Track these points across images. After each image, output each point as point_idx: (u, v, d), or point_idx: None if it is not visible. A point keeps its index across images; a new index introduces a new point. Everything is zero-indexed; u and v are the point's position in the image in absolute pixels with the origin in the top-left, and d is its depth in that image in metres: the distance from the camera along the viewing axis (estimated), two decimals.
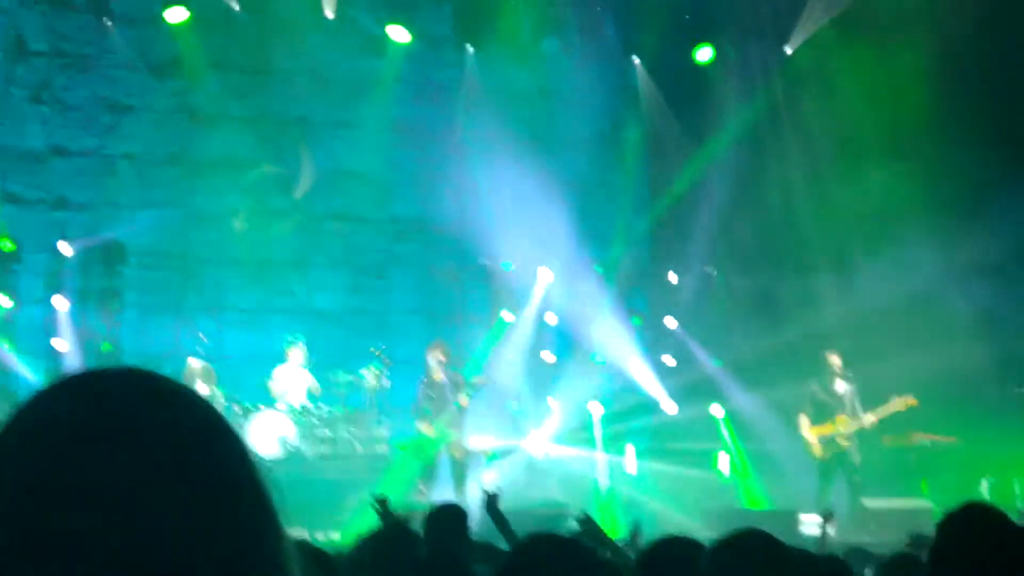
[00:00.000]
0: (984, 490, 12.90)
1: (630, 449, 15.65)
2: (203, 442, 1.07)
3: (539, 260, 16.10)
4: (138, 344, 14.92)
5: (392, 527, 5.48)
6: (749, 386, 15.62)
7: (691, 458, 15.16)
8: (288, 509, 1.12)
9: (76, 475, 1.01)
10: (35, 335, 14.61)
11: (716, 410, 15.76)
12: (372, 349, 14.54)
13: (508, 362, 15.92)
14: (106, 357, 14.39)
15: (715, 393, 15.90)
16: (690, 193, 16.72)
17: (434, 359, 13.09)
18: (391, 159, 16.29)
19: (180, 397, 1.10)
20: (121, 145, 15.51)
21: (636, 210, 17.44)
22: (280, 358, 14.17)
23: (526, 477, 14.82)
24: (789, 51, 16.61)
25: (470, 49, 16.69)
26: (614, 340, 16.20)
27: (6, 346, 14.07)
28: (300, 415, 13.83)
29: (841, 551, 6.15)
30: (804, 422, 13.28)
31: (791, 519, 11.66)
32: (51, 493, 1.00)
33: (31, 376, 13.72)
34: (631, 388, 16.19)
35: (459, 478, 12.88)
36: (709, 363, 16.21)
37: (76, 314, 14.78)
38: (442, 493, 12.21)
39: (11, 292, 14.55)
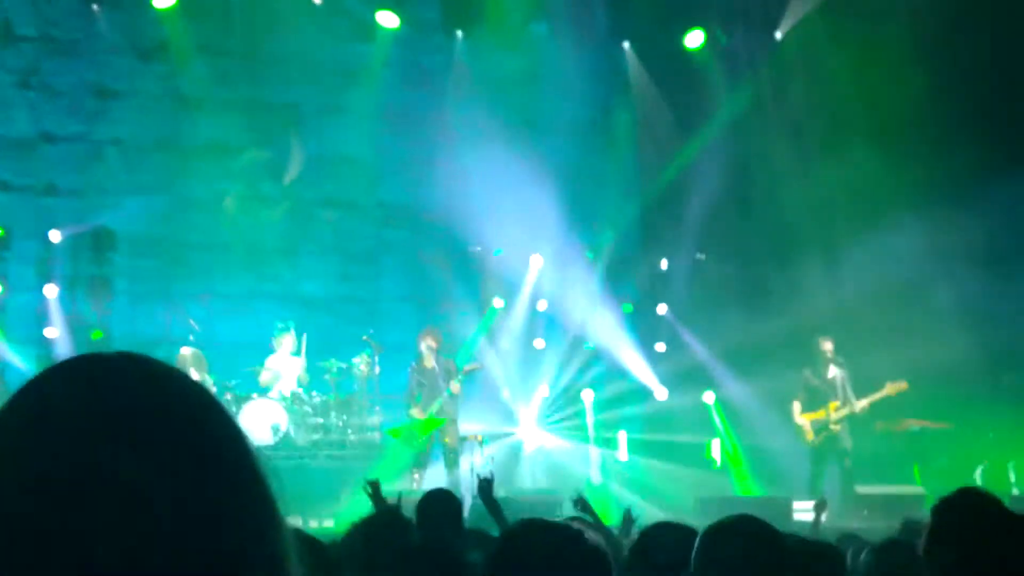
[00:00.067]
0: (977, 476, 12.95)
1: (622, 436, 15.66)
2: (200, 427, 1.07)
3: (529, 246, 16.08)
4: (128, 331, 14.88)
5: (384, 514, 5.46)
6: (741, 373, 15.63)
7: (683, 445, 15.19)
8: (283, 496, 1.11)
9: (73, 459, 1.00)
10: (25, 323, 14.57)
11: (708, 397, 15.77)
12: (364, 337, 14.51)
13: (499, 349, 15.91)
14: (96, 344, 14.35)
15: (707, 380, 15.91)
16: (680, 179, 16.69)
17: (425, 346, 13.08)
18: (380, 145, 16.25)
19: (176, 382, 1.10)
20: (109, 131, 15.45)
21: (626, 196, 17.40)
22: (269, 345, 14.15)
23: (518, 464, 14.84)
24: (779, 36, 16.57)
25: (459, 34, 16.63)
26: (605, 327, 16.19)
27: None
28: (292, 403, 13.81)
29: (833, 537, 6.15)
30: (796, 408, 13.32)
31: (784, 506, 11.68)
32: (48, 478, 0.99)
33: (21, 364, 13.68)
34: (622, 375, 16.20)
35: (451, 465, 12.88)
36: (700, 349, 16.20)
37: (66, 301, 14.74)
38: (434, 480, 12.21)
39: (0, 280, 14.50)
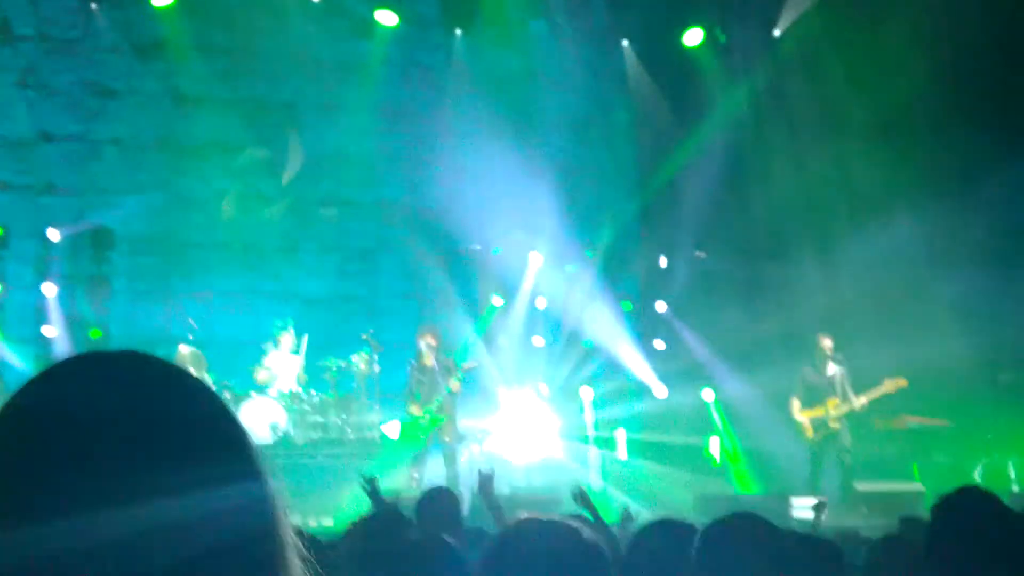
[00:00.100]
0: (977, 475, 12.95)
1: (621, 434, 15.65)
2: (204, 425, 1.08)
3: (528, 244, 16.07)
4: (127, 330, 14.89)
5: (383, 512, 5.46)
6: (740, 370, 15.61)
7: (681, 443, 15.18)
8: (286, 495, 1.12)
9: (76, 457, 1.00)
10: (23, 322, 14.57)
11: (707, 395, 15.76)
12: (363, 335, 14.50)
13: (499, 347, 15.90)
14: (95, 343, 14.35)
15: (706, 378, 15.90)
16: (679, 176, 16.67)
17: (424, 344, 13.06)
18: (379, 143, 16.23)
19: (180, 380, 1.11)
20: (108, 129, 15.45)
21: (625, 194, 17.40)
22: (264, 346, 14.14)
23: (515, 462, 14.82)
24: (777, 34, 16.55)
25: (458, 32, 16.61)
26: (604, 324, 16.18)
27: None
28: (291, 401, 13.80)
29: (832, 533, 6.15)
30: (796, 405, 13.31)
31: (783, 503, 11.67)
32: (51, 476, 0.99)
33: (19, 363, 13.67)
34: (622, 372, 16.19)
35: (450, 463, 12.86)
36: (700, 347, 16.18)
37: (64, 300, 14.74)
38: (433, 478, 12.20)
39: None
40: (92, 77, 15.40)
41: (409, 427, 13.01)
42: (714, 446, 15.54)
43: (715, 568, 3.15)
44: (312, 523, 10.84)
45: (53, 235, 14.76)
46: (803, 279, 15.75)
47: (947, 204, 14.37)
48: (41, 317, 14.60)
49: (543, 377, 16.00)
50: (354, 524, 4.72)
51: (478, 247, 16.36)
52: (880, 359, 13.39)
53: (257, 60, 15.95)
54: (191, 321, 14.26)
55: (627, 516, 6.17)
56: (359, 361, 14.32)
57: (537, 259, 16.22)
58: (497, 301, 15.93)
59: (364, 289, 16.69)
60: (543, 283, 16.33)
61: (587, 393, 15.79)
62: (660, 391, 16.10)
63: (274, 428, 13.43)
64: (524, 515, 2.75)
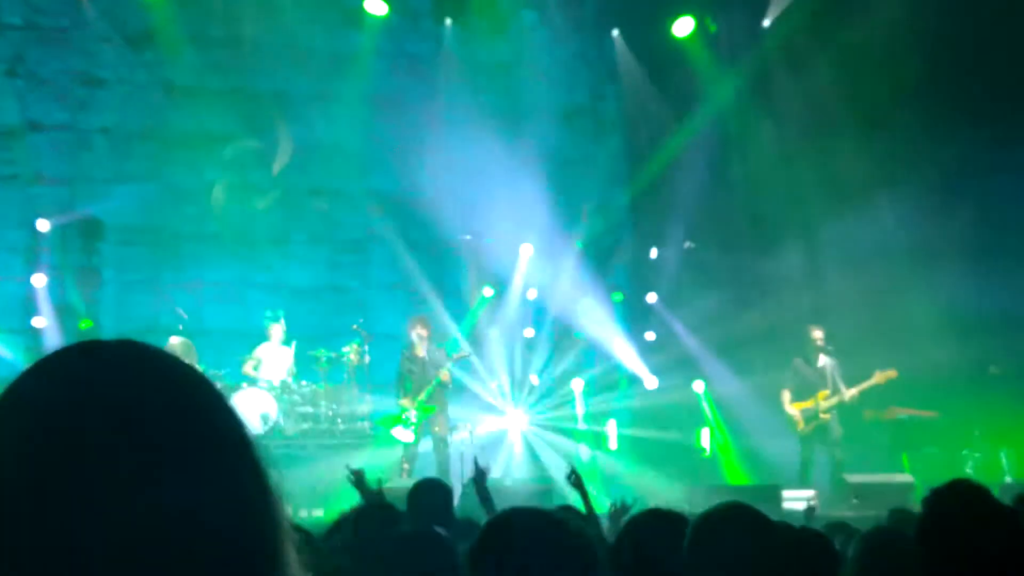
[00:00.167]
0: (969, 468, 12.99)
1: (611, 425, 15.67)
2: (201, 416, 1.07)
3: (519, 235, 16.06)
4: (117, 320, 14.85)
5: (374, 504, 5.46)
6: (730, 361, 15.63)
7: (672, 434, 15.20)
8: (283, 487, 1.12)
9: (72, 448, 1.00)
10: (12, 312, 14.52)
11: (697, 386, 15.78)
12: (354, 326, 14.48)
13: (489, 338, 15.90)
14: (85, 334, 14.31)
15: (696, 369, 15.91)
16: (670, 167, 16.66)
17: (416, 334, 13.04)
18: (369, 133, 16.19)
19: (177, 370, 1.11)
20: (97, 119, 15.40)
21: (615, 184, 17.40)
22: (260, 334, 14.11)
23: (508, 453, 14.84)
24: (767, 24, 16.52)
25: (447, 22, 16.58)
26: (595, 315, 16.19)
27: None
28: (281, 392, 13.78)
29: (822, 525, 6.16)
30: (786, 397, 13.32)
31: (773, 494, 11.68)
32: (46, 467, 0.99)
33: (8, 354, 13.64)
34: (612, 364, 16.20)
35: (441, 454, 12.86)
36: (690, 338, 16.19)
37: (54, 291, 14.69)
38: (424, 469, 12.20)
39: None
40: (81, 66, 15.34)
41: (400, 418, 13.00)
42: (705, 437, 15.56)
43: (706, 559, 3.16)
44: (303, 514, 10.84)
45: (42, 225, 14.71)
46: (793, 271, 15.77)
47: (937, 198, 14.39)
48: (31, 308, 14.55)
49: (533, 368, 16.02)
50: (345, 515, 4.72)
51: (468, 237, 16.35)
52: (870, 351, 13.42)
53: (247, 50, 15.90)
54: (181, 311, 14.22)
55: (622, 508, 6.17)
56: (350, 352, 14.31)
57: (528, 250, 16.21)
58: (488, 292, 15.93)
59: (355, 280, 16.67)
60: (533, 274, 16.33)
61: (577, 384, 15.81)
62: (650, 382, 16.12)
63: (265, 418, 13.42)
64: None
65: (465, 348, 14.26)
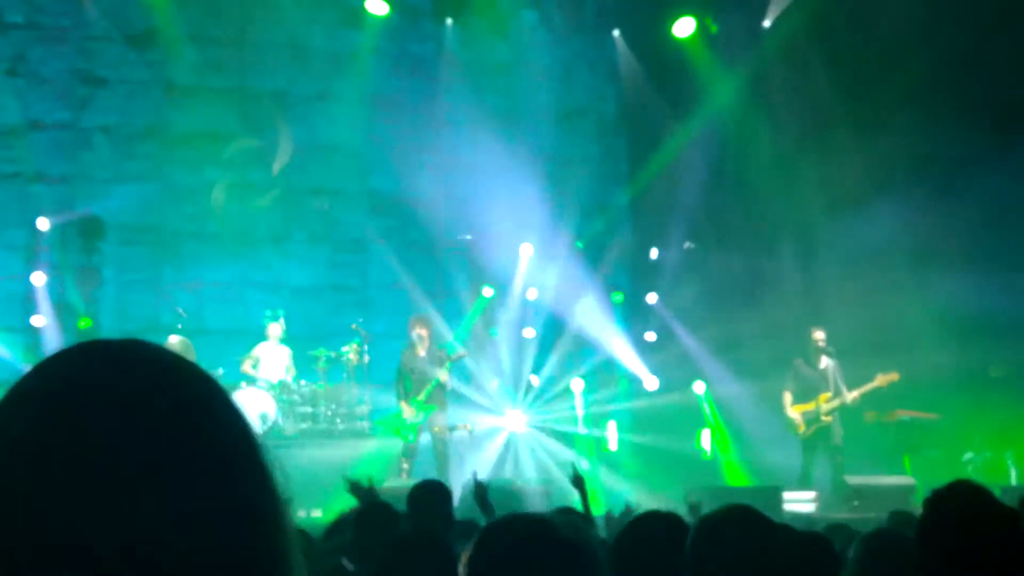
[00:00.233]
0: (969, 467, 12.97)
1: (611, 426, 15.66)
2: (208, 416, 1.07)
3: (519, 235, 16.05)
4: (117, 319, 14.85)
5: (372, 505, 5.45)
6: (731, 362, 15.61)
7: (673, 435, 15.17)
8: (288, 488, 1.12)
9: (77, 446, 0.99)
10: (12, 311, 14.52)
11: (698, 387, 15.76)
12: (353, 326, 14.48)
13: (489, 338, 15.89)
14: (84, 333, 14.32)
15: (697, 370, 15.90)
16: (670, 167, 16.65)
17: (416, 334, 13.04)
18: (369, 133, 16.19)
19: (182, 370, 1.09)
20: (97, 118, 15.40)
21: (616, 185, 17.39)
22: (260, 334, 14.11)
23: (507, 454, 14.83)
24: (767, 24, 16.51)
25: (448, 22, 16.57)
26: (595, 316, 16.17)
27: None
28: (280, 392, 13.78)
29: (823, 527, 6.15)
30: (787, 399, 13.29)
31: (774, 496, 11.67)
32: (52, 465, 0.98)
33: (7, 353, 13.63)
34: (612, 364, 16.18)
35: (440, 454, 12.86)
36: (691, 339, 16.16)
37: (54, 289, 14.69)
38: (423, 469, 12.19)
39: None
40: (82, 65, 15.35)
41: (400, 418, 12.99)
42: (705, 438, 15.55)
43: (708, 561, 3.15)
44: (301, 514, 10.82)
45: (42, 224, 14.71)
46: (792, 271, 15.76)
47: (936, 197, 14.37)
48: (30, 306, 14.55)
49: (534, 369, 16.01)
50: (344, 516, 4.71)
51: (468, 237, 16.34)
52: (869, 352, 13.40)
53: (247, 49, 15.92)
54: (180, 311, 14.22)
55: (625, 511, 6.17)
56: (349, 351, 14.31)
57: (528, 250, 16.20)
58: (488, 292, 15.92)
59: (354, 279, 16.66)
60: (534, 274, 16.32)
61: (577, 385, 15.80)
62: (651, 383, 16.11)
63: (264, 418, 13.41)
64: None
65: (462, 349, 14.25)
